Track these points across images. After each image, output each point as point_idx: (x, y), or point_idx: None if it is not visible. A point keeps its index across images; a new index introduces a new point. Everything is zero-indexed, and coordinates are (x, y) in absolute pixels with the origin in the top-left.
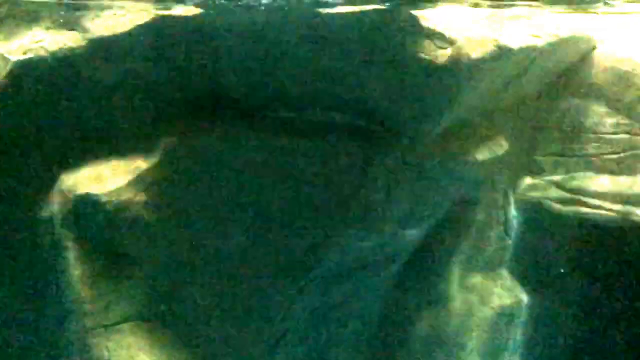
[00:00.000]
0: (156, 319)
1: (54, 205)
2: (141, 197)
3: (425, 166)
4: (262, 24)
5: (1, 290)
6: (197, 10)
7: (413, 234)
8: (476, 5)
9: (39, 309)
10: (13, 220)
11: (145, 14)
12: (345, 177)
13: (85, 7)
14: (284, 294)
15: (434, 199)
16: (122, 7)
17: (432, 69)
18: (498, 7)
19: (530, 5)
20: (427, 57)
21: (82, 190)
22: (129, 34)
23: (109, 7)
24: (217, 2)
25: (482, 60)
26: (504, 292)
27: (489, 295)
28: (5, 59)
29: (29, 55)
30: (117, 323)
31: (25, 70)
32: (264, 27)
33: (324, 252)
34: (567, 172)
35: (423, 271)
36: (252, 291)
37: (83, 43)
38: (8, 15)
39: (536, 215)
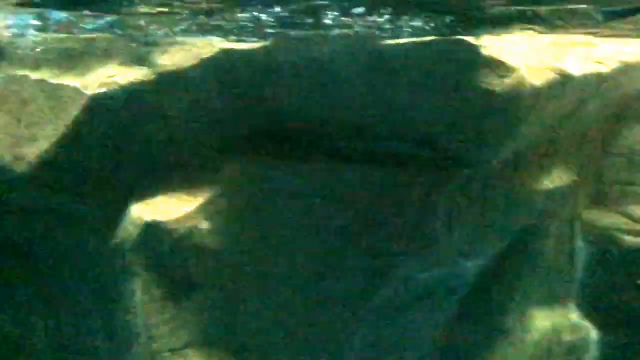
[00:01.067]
0: (219, 345)
1: (124, 232)
2: (206, 225)
3: (488, 196)
4: (323, 56)
5: (71, 314)
6: (261, 44)
7: (475, 265)
8: (540, 32)
9: (109, 332)
10: (86, 246)
11: (211, 49)
12: (406, 207)
13: (155, 43)
14: (344, 323)
15: (497, 230)
16: (188, 43)
17: (493, 98)
18: (561, 34)
19: (594, 33)
20: (487, 86)
21: (150, 218)
22: (195, 68)
23: (177, 43)
24: (282, 35)
25: (544, 89)
26: (571, 328)
27: (555, 331)
28: (81, 93)
29: (103, 89)
30: (183, 348)
31: (100, 104)
32: (325, 59)
33: (384, 282)
34: (636, 201)
35: (485, 303)
36: (312, 319)
37: (152, 77)
38: (84, 52)
39: (604, 247)
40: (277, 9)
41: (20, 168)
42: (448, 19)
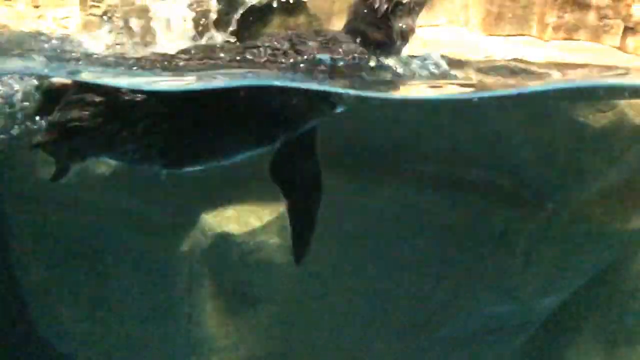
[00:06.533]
0: None
1: (194, 241)
2: (275, 240)
3: (569, 232)
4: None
5: (135, 316)
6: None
7: (550, 302)
8: None
9: (170, 339)
10: (154, 251)
11: None
12: (482, 237)
13: None
14: (406, 351)
15: (576, 267)
16: None
17: (588, 133)
18: None
19: None
20: (583, 120)
21: (220, 229)
22: None
23: None
24: None
25: None
26: None
27: None
28: None
29: None
30: None
31: None
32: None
33: (452, 313)
34: None
35: (556, 340)
36: (375, 344)
37: None
38: None
39: None
40: None
41: (100, 169)
42: None
